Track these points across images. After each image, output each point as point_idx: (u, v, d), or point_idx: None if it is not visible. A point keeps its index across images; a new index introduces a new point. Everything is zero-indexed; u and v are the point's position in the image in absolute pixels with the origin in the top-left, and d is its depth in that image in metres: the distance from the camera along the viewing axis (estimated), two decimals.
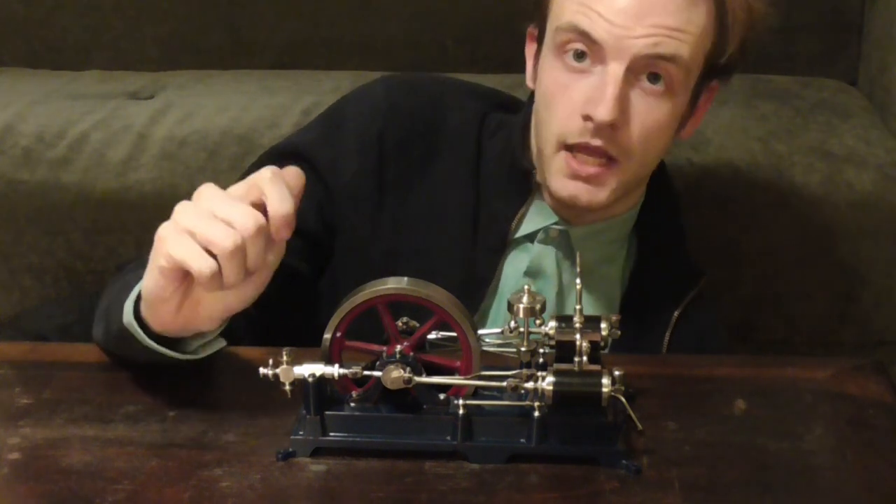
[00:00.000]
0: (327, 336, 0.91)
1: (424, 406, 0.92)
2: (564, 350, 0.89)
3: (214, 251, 0.84)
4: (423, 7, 1.90)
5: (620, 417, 0.92)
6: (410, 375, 0.90)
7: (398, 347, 0.91)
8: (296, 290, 1.12)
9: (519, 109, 1.20)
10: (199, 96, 1.78)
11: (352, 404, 0.93)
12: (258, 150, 1.48)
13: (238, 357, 1.04)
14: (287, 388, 0.90)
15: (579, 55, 1.07)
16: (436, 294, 0.89)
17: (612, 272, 1.20)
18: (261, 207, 0.86)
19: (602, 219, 1.16)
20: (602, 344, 0.90)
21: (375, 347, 0.92)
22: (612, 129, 1.06)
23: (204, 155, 1.62)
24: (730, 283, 1.57)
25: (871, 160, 1.59)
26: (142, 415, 0.97)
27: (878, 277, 1.59)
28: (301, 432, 0.92)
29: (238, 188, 0.88)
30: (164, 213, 0.89)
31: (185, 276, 0.88)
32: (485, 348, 0.92)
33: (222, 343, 0.98)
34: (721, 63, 1.10)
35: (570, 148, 1.08)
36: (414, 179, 1.17)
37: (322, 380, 0.91)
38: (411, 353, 0.91)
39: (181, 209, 0.87)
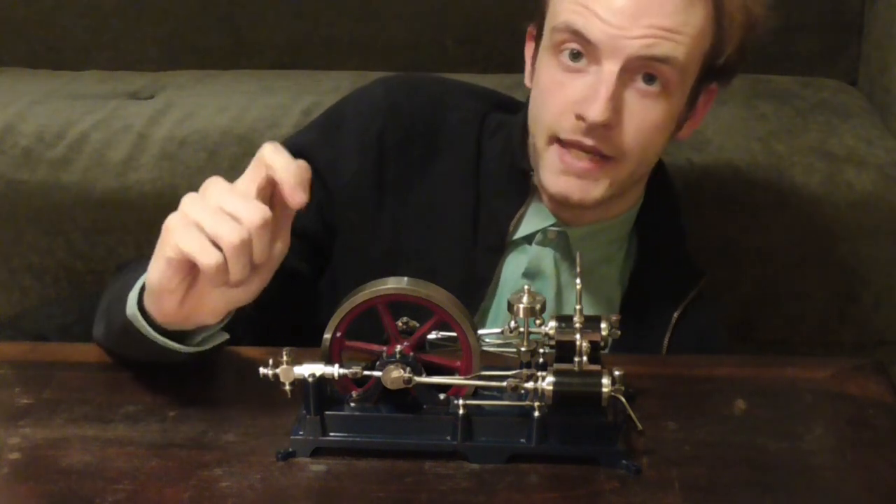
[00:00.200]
0: (327, 336, 0.91)
1: (424, 406, 0.92)
2: (564, 350, 0.89)
3: (221, 245, 0.84)
4: (423, 7, 1.90)
5: (620, 417, 0.92)
6: (410, 375, 0.90)
7: (398, 347, 0.91)
8: (296, 290, 1.12)
9: (519, 110, 1.20)
10: (199, 96, 1.78)
11: (352, 404, 0.93)
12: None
13: (238, 357, 1.04)
14: (287, 388, 0.90)
15: (575, 55, 1.07)
16: (436, 294, 0.89)
17: (610, 272, 1.20)
18: (269, 189, 0.86)
19: (600, 219, 1.16)
20: (602, 344, 0.90)
21: (375, 347, 0.92)
22: (605, 129, 1.06)
23: (204, 155, 1.63)
24: (730, 283, 1.58)
25: (871, 160, 1.59)
26: (142, 415, 0.97)
27: (878, 277, 1.59)
28: (301, 432, 0.92)
29: (244, 177, 0.87)
30: (164, 213, 0.89)
31: (191, 268, 0.87)
32: (485, 348, 0.92)
33: (225, 336, 0.98)
34: (719, 65, 1.10)
35: (563, 143, 1.08)
36: (414, 179, 1.17)
37: (322, 380, 0.91)
38: (411, 353, 0.91)
39: (189, 201, 0.87)
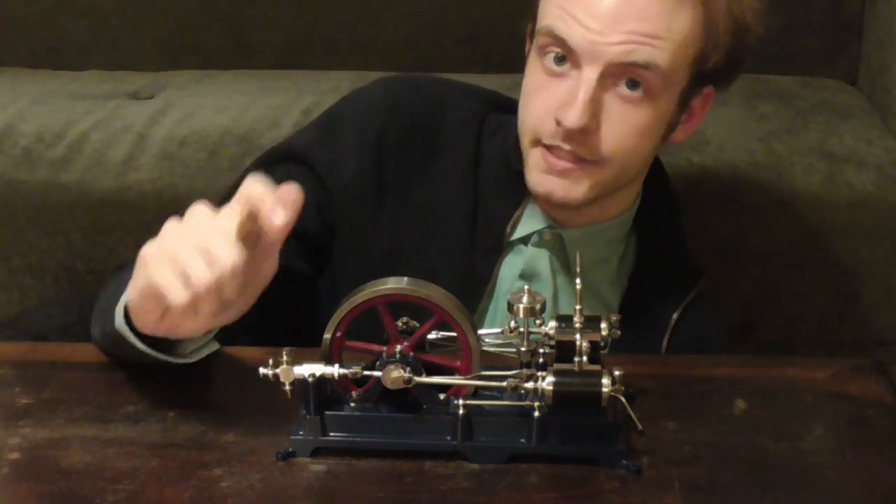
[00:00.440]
0: (327, 336, 0.91)
1: (424, 406, 0.92)
2: (564, 350, 0.89)
3: (190, 284, 0.84)
4: (423, 7, 1.90)
5: (620, 417, 0.92)
6: (410, 375, 0.90)
7: (398, 347, 0.91)
8: (295, 291, 1.12)
9: (517, 111, 1.20)
10: (199, 96, 1.78)
11: (352, 404, 0.93)
12: (258, 150, 1.48)
13: (238, 357, 1.04)
14: (287, 388, 0.90)
15: (559, 59, 1.07)
16: (436, 294, 0.89)
17: (604, 274, 1.20)
18: (252, 220, 0.86)
19: (596, 221, 1.16)
20: (602, 344, 0.90)
21: (375, 347, 0.92)
22: (583, 134, 1.06)
23: (204, 155, 1.63)
24: (730, 283, 1.57)
25: (871, 160, 1.59)
26: (142, 415, 0.97)
27: (878, 277, 1.59)
28: (301, 432, 0.92)
29: (226, 211, 0.86)
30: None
31: (163, 297, 0.87)
32: (485, 348, 0.92)
33: (215, 346, 0.98)
34: (708, 70, 1.09)
35: (545, 146, 1.08)
36: (413, 179, 1.17)
37: (322, 380, 0.91)
38: (411, 353, 0.91)
39: (169, 230, 0.87)
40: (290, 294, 1.08)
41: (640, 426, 0.93)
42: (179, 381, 0.99)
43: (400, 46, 1.91)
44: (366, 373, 0.91)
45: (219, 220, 0.85)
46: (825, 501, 0.90)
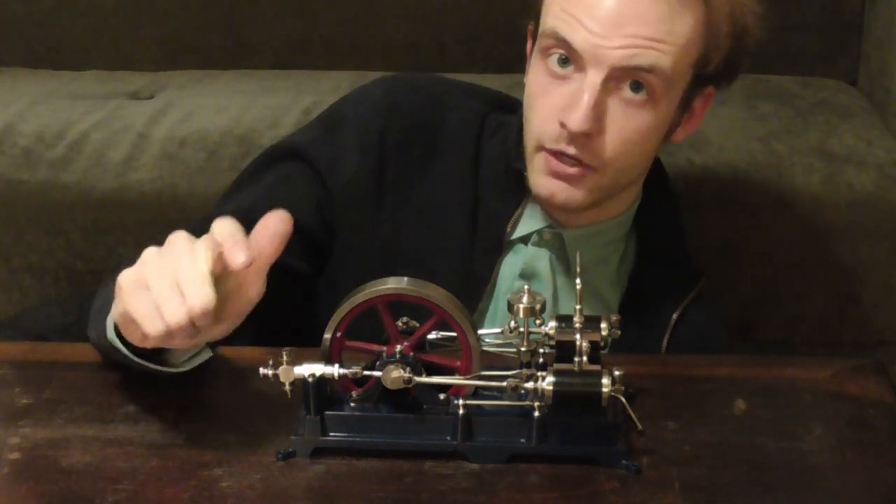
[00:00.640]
0: (327, 336, 0.91)
1: (424, 406, 0.92)
2: (564, 350, 0.89)
3: (163, 319, 0.85)
4: (423, 7, 1.90)
5: (620, 417, 0.92)
6: (410, 375, 0.90)
7: (398, 347, 0.91)
8: (295, 290, 1.12)
9: (518, 110, 1.19)
10: (199, 96, 1.78)
11: (352, 404, 0.93)
12: (258, 150, 1.47)
13: (238, 357, 1.04)
14: (287, 388, 0.90)
15: (563, 61, 1.06)
16: (436, 294, 0.89)
17: (604, 274, 1.20)
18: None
19: (596, 221, 1.16)
20: (602, 344, 0.90)
21: (375, 347, 0.92)
22: (587, 137, 1.06)
23: (204, 155, 1.62)
24: (730, 283, 1.57)
25: (871, 160, 1.59)
26: (142, 415, 0.97)
27: (878, 277, 1.59)
28: (301, 432, 0.92)
29: (201, 247, 0.86)
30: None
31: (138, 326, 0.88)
32: (485, 348, 0.92)
33: (208, 354, 0.99)
34: (709, 72, 1.09)
35: (548, 151, 1.08)
36: (414, 179, 1.17)
37: (322, 380, 0.91)
38: (411, 353, 0.91)
39: (147, 259, 0.87)
40: (290, 293, 1.08)
41: (640, 426, 0.93)
42: (179, 382, 0.99)
43: (400, 46, 1.91)
44: (366, 373, 0.91)
45: (194, 257, 0.85)
46: (825, 501, 0.90)
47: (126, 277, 0.87)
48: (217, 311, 0.85)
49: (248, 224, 0.89)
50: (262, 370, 0.90)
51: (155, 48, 1.95)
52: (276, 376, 0.90)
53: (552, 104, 1.07)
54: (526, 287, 0.91)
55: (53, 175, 1.62)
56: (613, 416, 0.92)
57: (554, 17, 1.06)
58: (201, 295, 0.84)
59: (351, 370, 0.91)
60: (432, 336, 0.93)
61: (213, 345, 0.99)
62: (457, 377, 0.92)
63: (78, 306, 1.44)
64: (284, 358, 0.90)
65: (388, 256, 1.16)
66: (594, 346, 0.89)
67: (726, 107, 1.66)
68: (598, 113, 1.05)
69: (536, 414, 0.90)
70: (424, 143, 1.18)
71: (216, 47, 1.94)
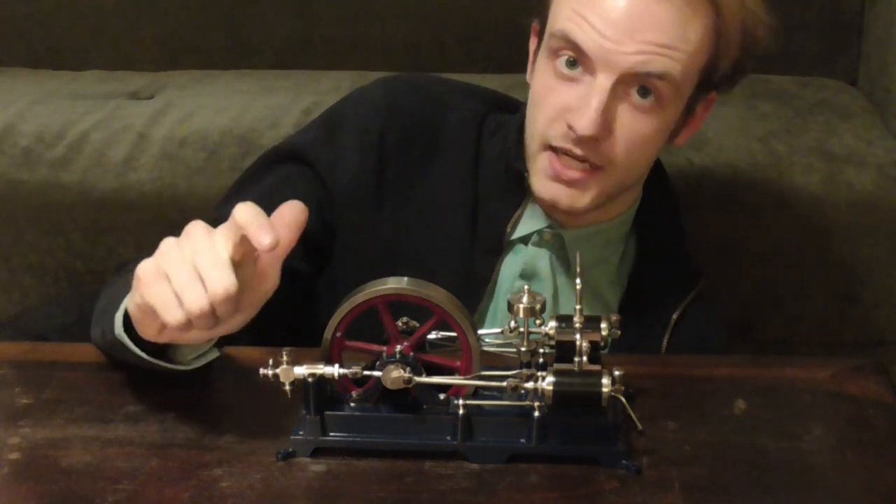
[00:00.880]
0: (327, 336, 0.91)
1: (424, 406, 0.92)
2: (564, 350, 0.89)
3: (184, 307, 0.85)
4: (423, 7, 1.90)
5: (620, 417, 0.92)
6: (410, 375, 0.90)
7: (398, 347, 0.91)
8: (295, 291, 1.12)
9: (518, 110, 1.20)
10: (199, 96, 1.78)
11: (352, 404, 0.93)
12: (258, 150, 1.48)
13: (238, 357, 1.04)
14: (287, 388, 0.90)
15: (571, 62, 1.06)
16: (436, 294, 0.89)
17: (603, 274, 1.20)
18: (247, 244, 0.86)
19: (596, 222, 1.16)
20: (602, 344, 0.90)
21: (375, 347, 0.92)
22: (594, 140, 1.05)
23: (204, 155, 1.63)
24: (730, 283, 1.57)
25: (871, 160, 1.59)
26: (142, 415, 0.97)
27: (878, 277, 1.59)
28: (301, 432, 0.92)
29: (221, 233, 0.86)
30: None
31: (158, 316, 0.88)
32: (485, 348, 0.92)
33: (215, 354, 0.98)
34: (715, 79, 1.09)
35: (555, 149, 1.08)
36: (414, 179, 1.17)
37: (322, 380, 0.91)
38: (411, 353, 0.91)
39: (165, 249, 0.87)
40: (290, 294, 1.08)
41: (640, 426, 0.93)
42: (180, 382, 0.99)
43: (400, 46, 1.91)
44: (366, 373, 0.91)
45: (214, 244, 0.85)
46: (825, 501, 0.90)
47: (145, 268, 0.87)
48: (236, 300, 0.85)
49: None
50: (262, 370, 0.90)
51: (155, 48, 1.95)
52: (276, 376, 0.90)
53: (559, 105, 1.07)
54: (526, 287, 0.91)
55: (53, 175, 1.62)
56: (613, 416, 0.92)
57: (565, 19, 1.05)
58: (223, 279, 0.84)
59: (351, 370, 0.91)
60: (432, 336, 0.93)
61: (219, 345, 0.98)
62: (457, 377, 0.92)
63: (78, 306, 1.45)
64: (284, 358, 0.90)
65: (388, 256, 1.16)
66: (594, 346, 0.89)
67: (726, 107, 1.66)
68: (607, 117, 1.05)
69: (536, 414, 0.90)
70: (424, 143, 1.18)
71: (216, 47, 1.94)
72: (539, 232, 1.16)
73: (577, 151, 1.07)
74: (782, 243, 1.57)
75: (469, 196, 1.17)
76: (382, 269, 1.00)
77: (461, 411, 0.90)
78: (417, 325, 0.94)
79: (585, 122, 1.04)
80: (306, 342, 0.94)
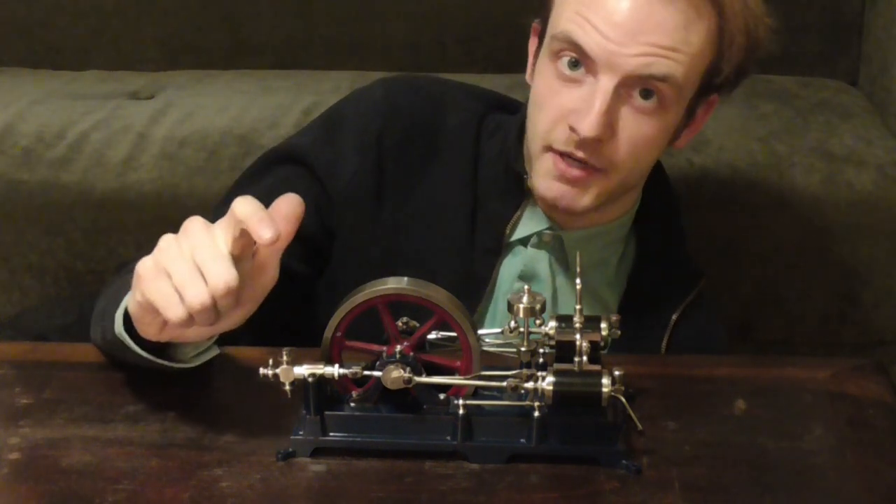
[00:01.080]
0: (327, 336, 0.91)
1: (424, 406, 0.92)
2: (564, 350, 0.89)
3: (185, 302, 0.85)
4: (423, 7, 1.90)
5: (620, 417, 0.92)
6: (410, 375, 0.90)
7: (398, 347, 0.91)
8: (294, 292, 1.12)
9: (518, 111, 1.19)
10: (199, 96, 1.78)
11: (352, 404, 0.93)
12: (258, 150, 1.48)
13: (238, 357, 1.04)
14: (287, 388, 0.90)
15: (573, 63, 1.06)
16: (436, 294, 0.89)
17: (604, 275, 1.20)
18: (247, 237, 0.86)
19: (596, 224, 1.16)
20: (602, 344, 0.90)
21: (375, 347, 0.92)
22: (597, 142, 1.05)
23: (204, 155, 1.63)
24: (730, 283, 1.57)
25: (871, 160, 1.59)
26: (142, 415, 0.97)
27: (878, 277, 1.59)
28: (301, 432, 0.92)
29: (220, 227, 0.87)
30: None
31: (160, 313, 0.88)
32: (485, 348, 0.92)
33: (216, 352, 0.98)
34: (717, 82, 1.09)
35: (556, 152, 1.08)
36: (413, 180, 1.17)
37: (322, 380, 0.91)
38: (411, 353, 0.91)
39: (164, 245, 0.87)
40: (290, 295, 1.08)
41: (640, 426, 0.93)
42: (179, 382, 0.99)
43: (400, 46, 1.91)
44: (366, 373, 0.91)
45: (213, 239, 0.86)
46: (825, 501, 0.90)
47: (144, 265, 0.87)
48: (237, 294, 0.85)
49: None
50: (262, 370, 0.90)
51: (155, 48, 1.95)
52: (276, 376, 0.90)
53: (561, 106, 1.07)
54: (526, 287, 0.91)
55: (53, 175, 1.62)
56: (613, 416, 0.92)
57: (567, 20, 1.05)
58: (223, 273, 0.84)
59: (351, 370, 0.91)
60: (432, 336, 0.93)
61: (219, 344, 0.98)
62: (457, 377, 0.92)
63: (78, 306, 1.45)
64: (284, 358, 0.90)
65: (388, 257, 1.16)
66: (594, 346, 0.89)
67: (726, 107, 1.65)
68: (609, 119, 1.04)
69: (536, 414, 0.90)
70: (424, 143, 1.17)
71: (216, 47, 1.94)
72: (538, 233, 1.16)
73: (579, 154, 1.06)
74: (782, 243, 1.57)
75: (468, 197, 1.17)
76: (382, 269, 1.00)
77: (461, 411, 0.90)
78: (417, 325, 0.94)
79: (588, 124, 1.04)
80: (306, 342, 0.94)
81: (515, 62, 1.21)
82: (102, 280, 1.58)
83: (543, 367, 0.91)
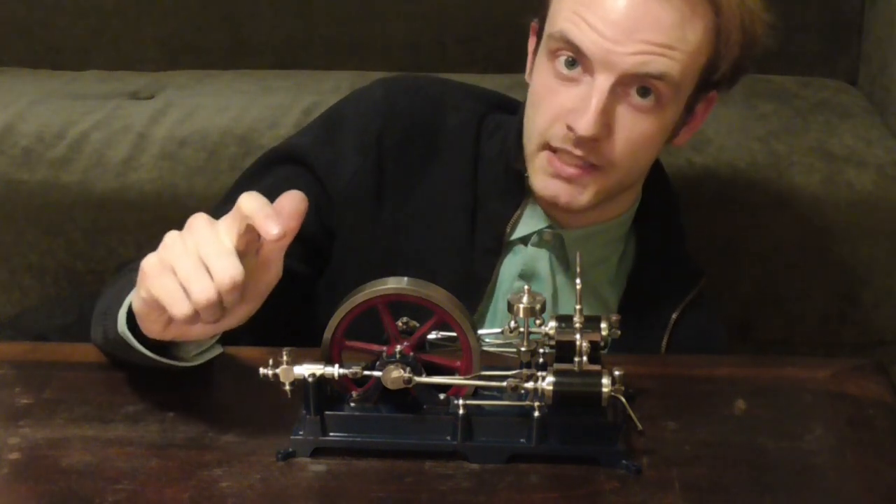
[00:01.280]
0: (327, 336, 0.91)
1: (424, 406, 0.92)
2: (564, 350, 0.89)
3: (190, 298, 0.85)
4: (423, 7, 1.90)
5: (620, 417, 0.92)
6: (410, 375, 0.90)
7: (398, 347, 0.91)
8: (295, 292, 1.12)
9: (517, 111, 1.19)
10: (199, 96, 1.78)
11: (352, 404, 0.93)
12: (258, 150, 1.48)
13: (238, 357, 1.04)
14: (287, 388, 0.90)
15: (570, 62, 1.06)
16: (436, 294, 0.89)
17: (604, 273, 1.20)
18: (252, 233, 0.86)
19: (595, 222, 1.16)
20: (602, 344, 0.90)
21: (375, 347, 0.92)
22: (594, 141, 1.05)
23: (204, 155, 1.63)
24: (730, 283, 1.57)
25: (871, 160, 1.59)
26: (142, 415, 0.97)
27: (878, 277, 1.59)
28: (301, 432, 0.92)
29: (225, 223, 0.87)
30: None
31: (165, 309, 0.88)
32: (485, 348, 0.92)
33: (218, 350, 0.98)
34: (715, 79, 1.09)
35: (553, 149, 1.08)
36: (413, 180, 1.17)
37: (322, 380, 0.91)
38: (411, 353, 0.91)
39: (169, 242, 0.87)
40: (290, 295, 1.08)
41: (640, 426, 0.93)
42: (179, 382, 0.99)
43: (400, 46, 1.91)
44: (366, 373, 0.91)
45: (217, 234, 0.86)
46: (825, 501, 0.90)
47: (149, 262, 0.87)
48: (242, 290, 0.85)
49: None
50: (262, 370, 0.90)
51: (155, 48, 1.95)
52: (276, 376, 0.90)
53: (559, 105, 1.07)
54: (526, 287, 0.91)
55: (53, 175, 1.62)
56: (613, 416, 0.92)
57: (564, 20, 1.05)
58: (229, 268, 0.84)
59: (351, 370, 0.91)
60: (432, 336, 0.93)
61: (220, 343, 0.98)
62: (457, 377, 0.92)
63: (78, 306, 1.45)
64: (284, 358, 0.90)
65: (388, 257, 1.16)
66: (594, 346, 0.89)
67: (726, 107, 1.66)
68: (606, 118, 1.05)
69: (536, 414, 0.90)
70: (424, 143, 1.17)
71: (216, 47, 1.94)
72: (539, 232, 1.16)
73: (577, 152, 1.07)
74: (782, 243, 1.57)
75: (468, 196, 1.17)
76: (382, 269, 1.00)
77: (461, 411, 0.90)
78: (417, 325, 0.94)
79: (585, 123, 1.04)
80: (306, 342, 0.94)
81: (515, 62, 1.21)
82: (102, 280, 1.58)
83: (543, 367, 0.91)
